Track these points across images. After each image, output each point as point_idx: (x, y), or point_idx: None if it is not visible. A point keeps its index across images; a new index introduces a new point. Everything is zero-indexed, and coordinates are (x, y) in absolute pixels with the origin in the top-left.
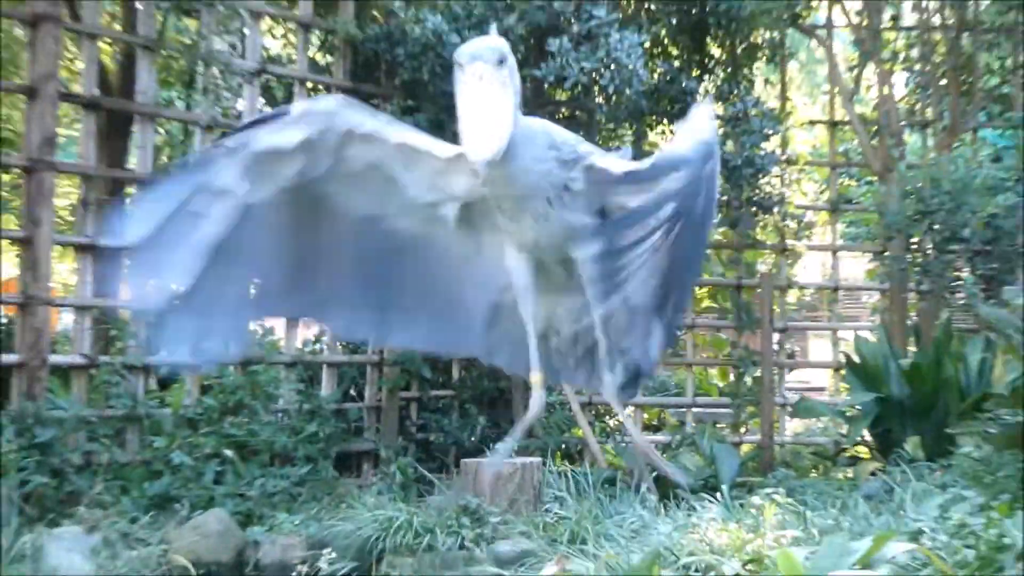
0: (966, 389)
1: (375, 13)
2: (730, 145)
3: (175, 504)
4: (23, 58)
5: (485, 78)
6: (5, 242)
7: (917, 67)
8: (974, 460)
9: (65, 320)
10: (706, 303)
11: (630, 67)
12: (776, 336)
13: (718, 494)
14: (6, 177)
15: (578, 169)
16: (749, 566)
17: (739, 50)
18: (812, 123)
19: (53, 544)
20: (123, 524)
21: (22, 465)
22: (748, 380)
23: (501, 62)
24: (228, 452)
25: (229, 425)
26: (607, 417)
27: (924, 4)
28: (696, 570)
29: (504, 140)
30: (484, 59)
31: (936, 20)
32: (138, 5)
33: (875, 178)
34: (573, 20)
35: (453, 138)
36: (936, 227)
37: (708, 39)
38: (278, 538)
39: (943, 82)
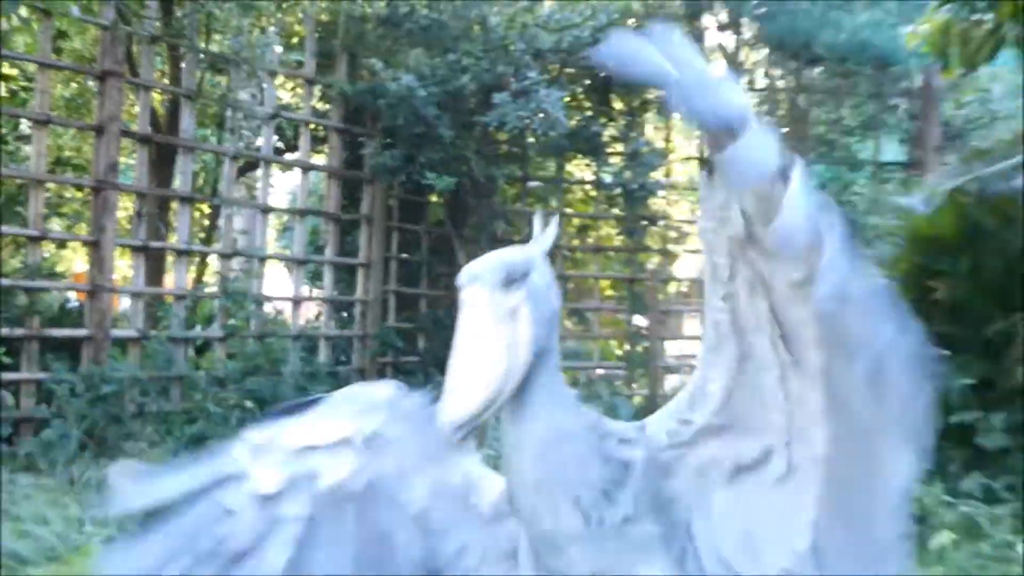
0: None
1: (363, 72)
2: (628, 174)
3: (208, 443)
4: (93, 104)
5: (478, 307)
6: (78, 244)
7: (766, 118)
8: None
9: (123, 303)
10: (608, 292)
11: (554, 115)
12: (659, 316)
13: None
14: (79, 194)
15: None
16: None
17: (635, 104)
18: (688, 159)
19: (114, 475)
20: (168, 458)
21: (89, 413)
22: (639, 349)
23: (510, 283)
24: (248, 403)
25: (249, 383)
26: None
27: (772, 71)
28: None
29: (486, 398)
30: (481, 281)
31: (780, 84)
32: (182, 64)
33: None
34: (512, 79)
35: (420, 170)
36: None
37: (612, 96)
38: None
39: (785, 130)
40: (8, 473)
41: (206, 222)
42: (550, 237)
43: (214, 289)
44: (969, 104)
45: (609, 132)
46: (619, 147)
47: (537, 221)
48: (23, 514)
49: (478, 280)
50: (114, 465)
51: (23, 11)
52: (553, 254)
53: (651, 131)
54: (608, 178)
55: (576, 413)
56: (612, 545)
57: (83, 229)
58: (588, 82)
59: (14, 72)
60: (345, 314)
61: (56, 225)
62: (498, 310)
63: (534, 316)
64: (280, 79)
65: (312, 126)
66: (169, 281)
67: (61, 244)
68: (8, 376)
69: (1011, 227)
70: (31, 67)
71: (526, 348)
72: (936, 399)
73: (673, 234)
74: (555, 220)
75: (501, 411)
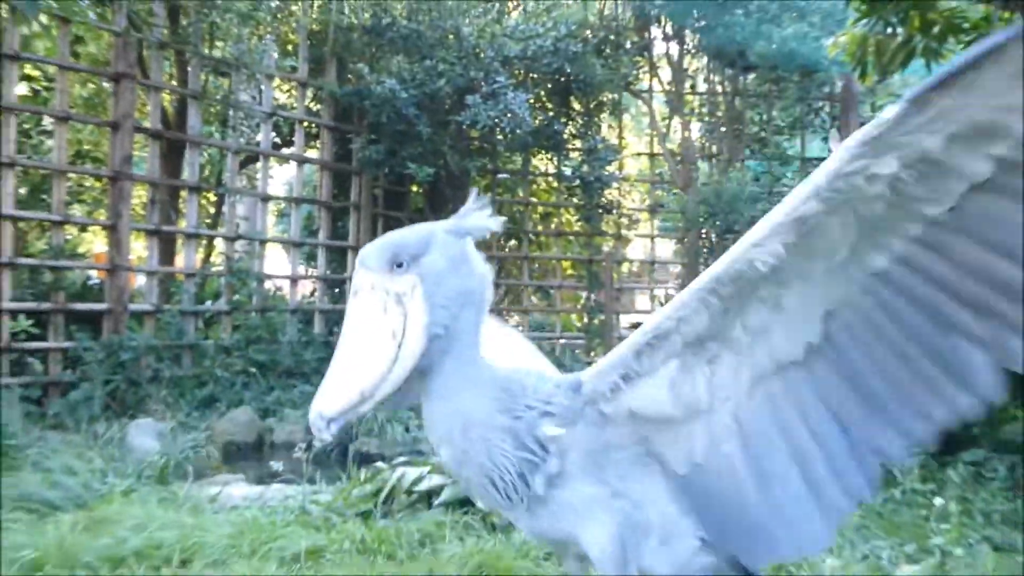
0: None
1: (350, 76)
2: (586, 168)
3: (216, 404)
4: (109, 103)
5: (361, 293)
6: (98, 228)
7: (707, 119)
8: None
9: (139, 281)
10: (569, 272)
11: (520, 115)
12: (614, 293)
13: None
14: (97, 184)
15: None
16: None
17: (592, 105)
18: (639, 154)
19: (132, 431)
20: (180, 417)
21: (110, 378)
22: (596, 322)
23: (397, 266)
24: (252, 369)
25: (252, 351)
26: None
27: (711, 77)
28: None
29: (361, 392)
30: (366, 264)
31: (719, 88)
32: (188, 68)
33: (679, 191)
34: (483, 83)
35: (402, 163)
36: (718, 223)
37: (572, 98)
38: (286, 425)
39: (723, 129)
40: (39, 431)
41: (212, 209)
42: (473, 214)
43: (220, 268)
44: (883, 107)
45: (569, 130)
46: (578, 143)
47: (471, 197)
48: (53, 466)
49: (363, 263)
50: (132, 423)
51: (43, 18)
52: (519, 236)
53: (606, 129)
54: (568, 171)
55: (487, 396)
56: (544, 512)
57: (102, 214)
58: (550, 86)
59: (36, 74)
60: (337, 290)
61: (77, 211)
62: (384, 295)
63: (429, 300)
64: (276, 82)
65: (305, 124)
66: (180, 261)
67: (82, 228)
68: (37, 345)
69: None
70: (52, 69)
71: (417, 335)
72: None
73: (626, 221)
74: (479, 196)
75: (391, 399)
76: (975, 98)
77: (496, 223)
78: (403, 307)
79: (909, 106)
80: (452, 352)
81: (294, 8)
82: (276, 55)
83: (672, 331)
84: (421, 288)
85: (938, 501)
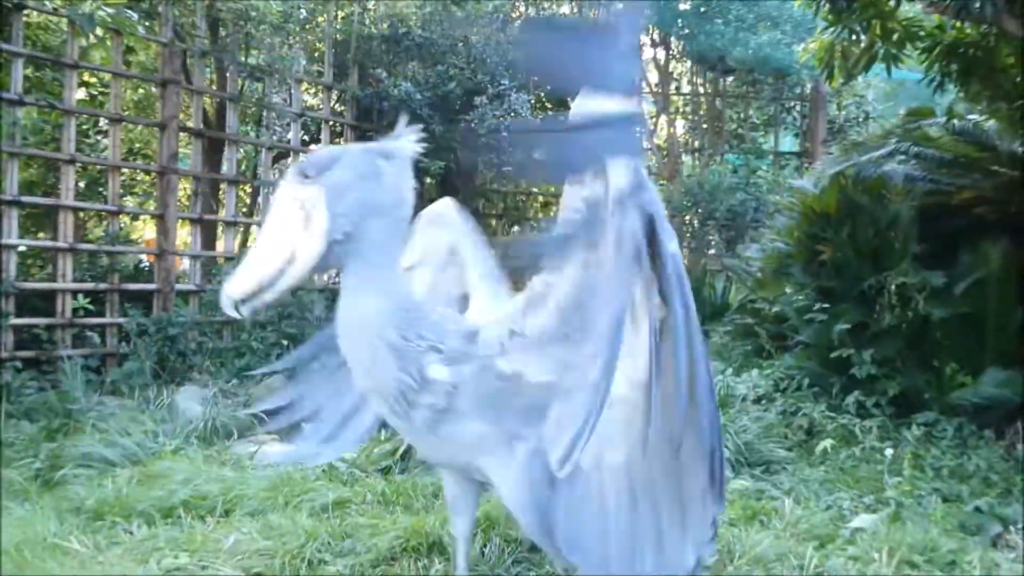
0: (714, 304)
1: (370, 80)
2: None
3: (252, 372)
4: (157, 105)
5: (277, 199)
6: (148, 217)
7: (690, 117)
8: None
9: (184, 264)
10: None
11: (523, 115)
12: None
13: None
14: (147, 178)
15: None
16: None
17: None
18: None
19: (180, 397)
20: (222, 384)
21: (160, 349)
22: None
23: (306, 177)
24: (284, 341)
25: (285, 326)
26: None
27: (695, 79)
28: None
29: (261, 280)
30: (286, 177)
31: (701, 89)
32: (227, 74)
33: (665, 182)
34: (489, 85)
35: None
36: (700, 211)
37: (568, 99)
38: None
39: (705, 126)
40: (98, 397)
41: (248, 200)
42: (399, 140)
43: None
44: (848, 106)
45: None
46: None
47: (401, 122)
48: (111, 428)
49: (286, 175)
50: (179, 390)
51: (99, 31)
52: (521, 223)
53: None
54: None
55: (386, 308)
56: (440, 444)
57: (151, 205)
58: (549, 88)
59: (93, 80)
60: None
61: (130, 202)
62: (292, 202)
63: (330, 208)
64: (305, 86)
65: (331, 123)
66: (220, 246)
67: (134, 217)
68: (96, 321)
69: (881, 203)
70: (106, 76)
71: (315, 238)
72: (822, 338)
73: None
74: (409, 124)
75: (290, 290)
76: None
77: (414, 146)
78: (306, 213)
79: None
80: (360, 256)
81: (320, 20)
82: (304, 62)
83: (547, 295)
84: (324, 198)
85: (888, 452)
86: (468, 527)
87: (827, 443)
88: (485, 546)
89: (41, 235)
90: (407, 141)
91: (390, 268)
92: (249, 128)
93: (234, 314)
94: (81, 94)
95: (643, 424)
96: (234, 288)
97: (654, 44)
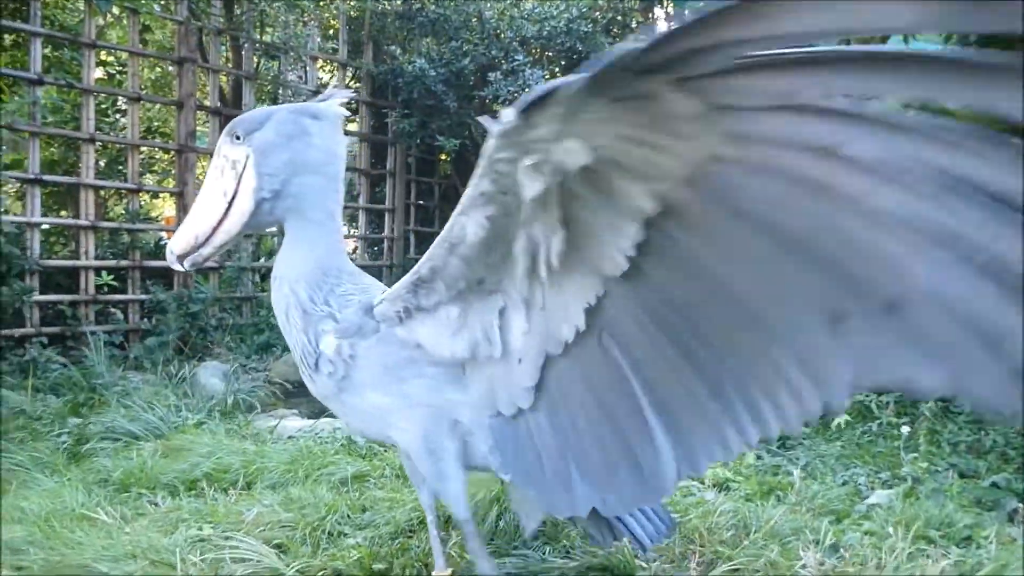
0: None
1: (385, 57)
2: None
3: (272, 348)
4: (174, 84)
5: (213, 159)
6: (167, 195)
7: None
8: None
9: None
10: None
11: None
12: None
13: None
14: (165, 156)
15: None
16: None
17: None
18: None
19: (201, 372)
20: (242, 360)
21: (182, 325)
22: None
23: (236, 138)
24: None
25: None
26: None
27: None
28: None
29: (196, 237)
30: (222, 136)
31: None
32: (242, 52)
33: None
34: (503, 61)
35: (432, 134)
36: None
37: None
38: None
39: None
40: (122, 371)
41: None
42: (328, 101)
43: (273, 229)
44: None
45: None
46: None
47: (330, 86)
48: (134, 402)
49: (225, 132)
50: (201, 365)
51: (115, 10)
52: None
53: None
54: None
55: (306, 264)
56: (349, 412)
57: (170, 183)
58: (563, 63)
59: (111, 60)
60: (376, 248)
61: (149, 180)
62: (223, 161)
63: (257, 168)
64: (319, 63)
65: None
66: None
67: (154, 195)
68: (118, 297)
69: None
70: (124, 55)
71: (244, 197)
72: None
73: None
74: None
75: (229, 247)
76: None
77: (341, 108)
78: (236, 172)
79: (517, 119)
80: (297, 212)
81: None
82: (319, 39)
83: (437, 273)
84: (253, 158)
85: (904, 428)
86: (432, 498)
87: (843, 418)
88: (499, 519)
89: (63, 213)
90: (335, 101)
91: (324, 224)
92: (265, 105)
93: (178, 267)
94: (99, 73)
95: None
96: (174, 244)
97: (668, 18)
